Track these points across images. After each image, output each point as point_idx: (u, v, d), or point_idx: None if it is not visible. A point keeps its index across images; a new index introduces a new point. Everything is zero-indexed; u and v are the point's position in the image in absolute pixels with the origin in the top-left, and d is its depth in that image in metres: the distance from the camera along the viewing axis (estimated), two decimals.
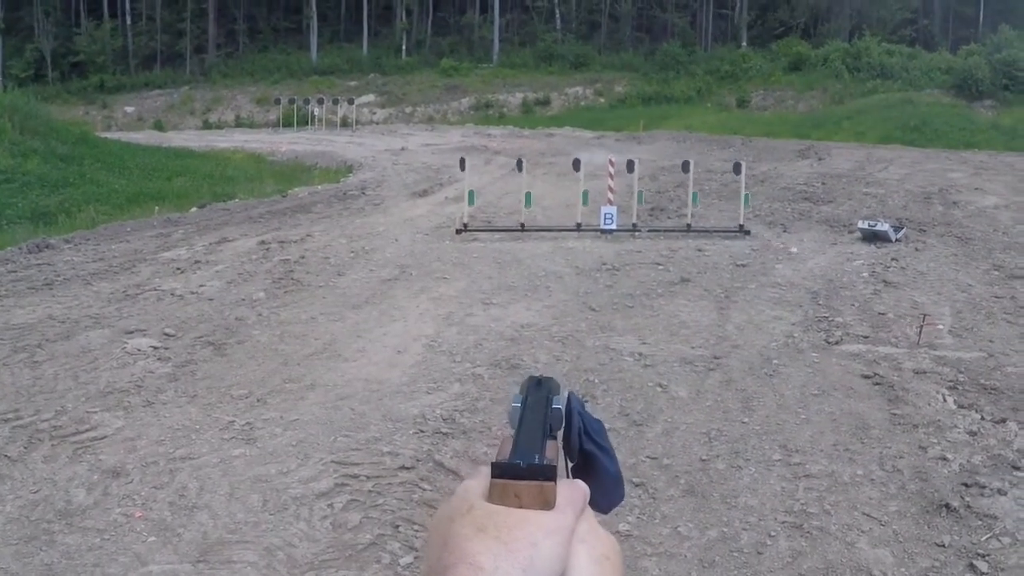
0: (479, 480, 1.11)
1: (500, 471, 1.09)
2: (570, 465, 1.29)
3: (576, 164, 20.09)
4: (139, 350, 11.76)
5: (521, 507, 1.06)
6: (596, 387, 10.08)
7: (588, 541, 1.09)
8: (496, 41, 71.33)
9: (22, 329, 12.84)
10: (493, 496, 1.08)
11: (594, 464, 1.31)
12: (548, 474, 1.08)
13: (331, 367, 11.08)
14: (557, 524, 1.05)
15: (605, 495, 1.31)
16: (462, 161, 20.77)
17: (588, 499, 1.13)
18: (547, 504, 1.07)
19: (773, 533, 7.17)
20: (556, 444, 1.24)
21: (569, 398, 1.31)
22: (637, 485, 7.81)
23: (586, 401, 9.61)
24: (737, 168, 19.66)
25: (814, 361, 11.06)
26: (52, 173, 27.75)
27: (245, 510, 7.63)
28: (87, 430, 9.25)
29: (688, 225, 18.95)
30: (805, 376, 10.52)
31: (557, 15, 72.98)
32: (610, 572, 1.09)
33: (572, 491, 1.11)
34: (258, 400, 9.98)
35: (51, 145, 31.17)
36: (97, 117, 62.83)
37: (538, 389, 1.32)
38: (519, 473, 1.08)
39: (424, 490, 7.83)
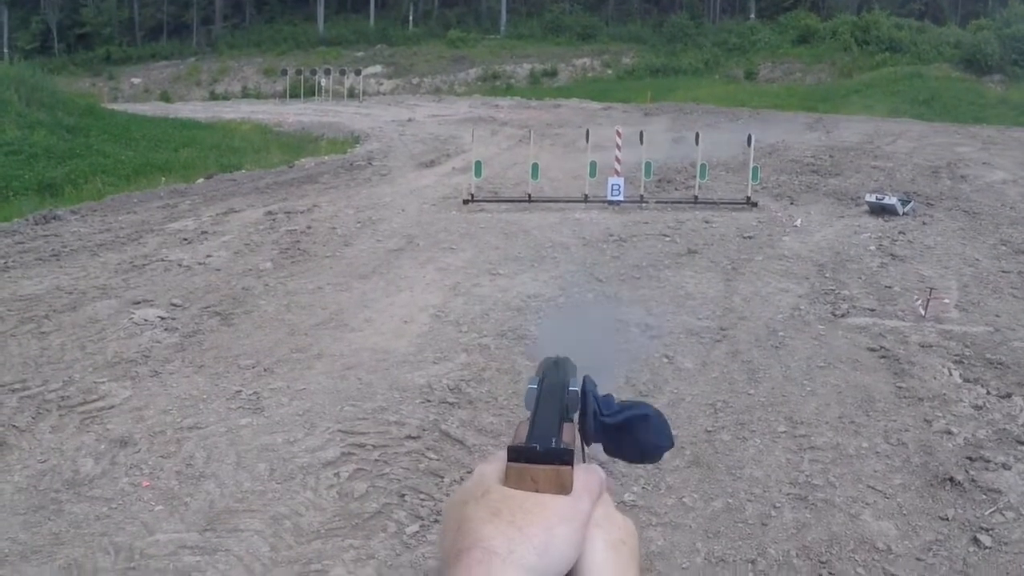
0: (495, 464, 1.11)
1: (516, 455, 1.09)
2: (586, 449, 1.27)
3: (586, 136, 20.07)
4: (146, 320, 11.79)
5: (537, 491, 1.06)
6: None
7: (604, 526, 1.08)
8: (503, 12, 71.16)
9: (29, 300, 12.86)
10: (509, 480, 1.08)
11: (632, 429, 1.29)
12: (565, 458, 1.08)
13: (338, 337, 11.10)
14: (573, 509, 1.05)
15: (655, 432, 1.31)
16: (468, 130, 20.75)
17: (604, 484, 1.12)
18: (564, 488, 1.07)
19: (778, 504, 7.18)
20: (573, 427, 1.23)
21: (584, 381, 1.29)
22: None
23: (591, 370, 9.64)
24: (748, 140, 19.60)
25: (820, 333, 11.06)
26: (58, 145, 27.73)
27: (252, 479, 7.66)
28: (94, 400, 9.29)
29: (695, 197, 18.91)
30: (811, 348, 10.52)
31: None
32: (626, 557, 1.09)
33: (589, 476, 1.10)
34: (265, 370, 10.01)
35: (57, 117, 31.16)
36: (103, 89, 62.77)
37: (555, 371, 1.31)
38: (535, 457, 1.08)
39: (430, 459, 7.86)
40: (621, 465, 7.61)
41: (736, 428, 8.36)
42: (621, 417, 1.28)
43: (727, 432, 8.28)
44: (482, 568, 0.98)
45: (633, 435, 1.29)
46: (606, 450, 1.30)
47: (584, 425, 1.27)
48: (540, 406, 1.21)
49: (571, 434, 1.19)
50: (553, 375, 1.29)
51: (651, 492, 7.33)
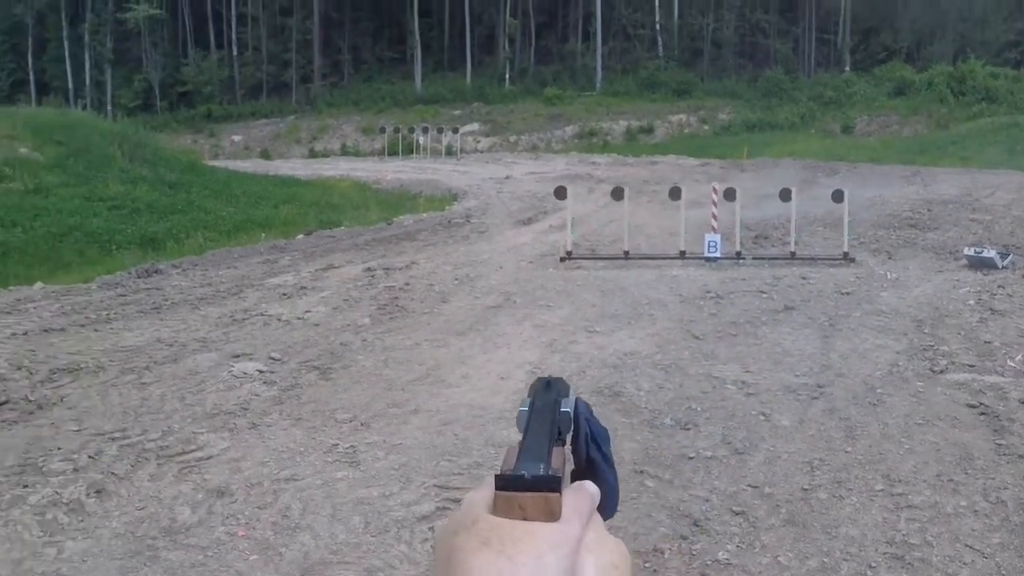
0: (483, 492, 1.10)
1: (504, 483, 1.08)
2: (570, 469, 1.23)
3: (674, 193, 20.11)
4: (245, 373, 11.97)
5: (526, 519, 1.05)
6: (698, 415, 10.10)
7: (595, 551, 1.07)
8: (599, 69, 71.37)
9: (131, 351, 13.13)
10: (498, 508, 1.06)
11: (596, 473, 1.25)
12: (553, 485, 1.07)
13: (435, 392, 11.20)
14: (563, 536, 1.04)
15: (602, 504, 1.22)
16: (559, 190, 20.83)
17: (596, 503, 1.13)
18: (552, 515, 1.05)
19: (874, 564, 7.15)
20: (563, 451, 1.20)
21: (576, 403, 1.28)
22: (737, 514, 7.83)
23: (688, 427, 9.67)
24: (838, 196, 19.51)
25: (919, 390, 10.97)
26: (161, 200, 28.26)
27: (347, 531, 7.76)
28: (193, 450, 9.46)
29: (792, 252, 18.87)
30: (909, 405, 10.44)
31: (659, 42, 72.78)
32: None
33: (578, 499, 1.10)
34: (362, 424, 10.12)
35: (159, 173, 31.79)
36: (204, 146, 63.68)
37: (547, 392, 1.29)
38: (523, 484, 1.07)
39: None
40: (715, 523, 7.64)
41: (833, 486, 8.33)
42: (596, 457, 1.26)
43: (823, 490, 8.25)
44: None
45: (596, 480, 1.23)
46: (575, 475, 1.25)
47: (576, 448, 1.25)
48: (530, 429, 1.20)
49: (561, 458, 1.17)
50: (544, 396, 1.28)
51: (746, 551, 7.33)
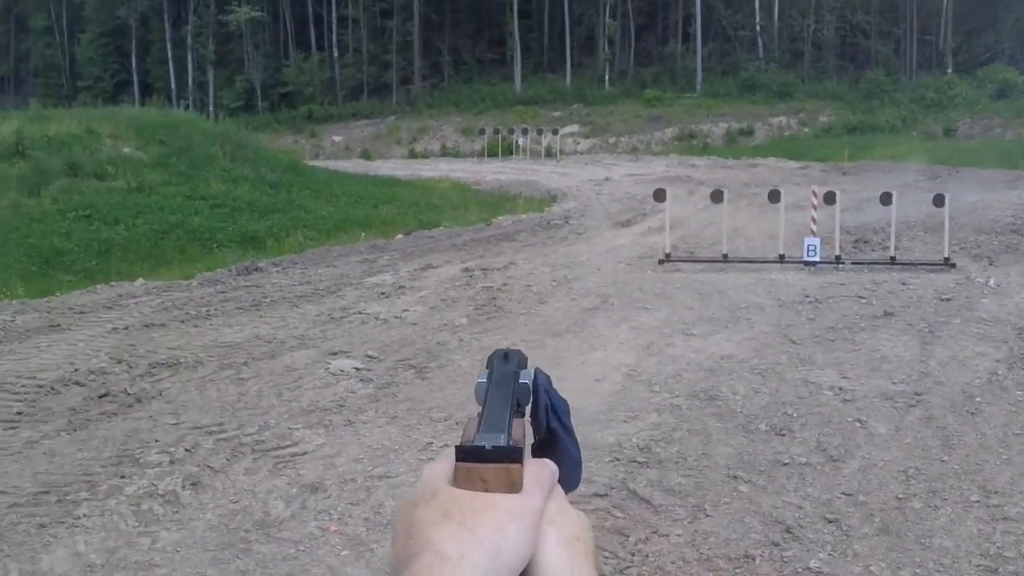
0: (444, 464, 1.09)
1: (464, 454, 1.07)
2: (530, 442, 1.21)
3: (773, 196, 20.00)
4: (342, 371, 12.11)
5: (487, 491, 1.05)
6: (794, 421, 10.05)
7: (557, 522, 1.07)
8: (699, 71, 71.05)
9: (230, 347, 13.33)
10: (458, 480, 1.06)
11: (557, 444, 1.25)
12: (514, 456, 1.07)
13: None
14: (524, 507, 1.04)
15: (564, 477, 1.21)
16: (658, 192, 20.76)
17: (556, 478, 1.12)
18: (514, 487, 1.05)
19: None
20: (523, 423, 1.20)
21: (536, 374, 1.27)
22: (830, 521, 7.78)
23: (783, 433, 9.62)
24: (939, 200, 19.29)
25: (1018, 399, 10.80)
26: (261, 199, 28.58)
27: None
28: (288, 446, 9.59)
29: (892, 257, 18.65)
30: (1008, 415, 10.28)
31: (759, 44, 72.29)
32: (580, 553, 1.08)
33: (539, 472, 1.09)
34: (457, 423, 10.15)
35: (261, 172, 32.15)
36: (305, 146, 64.24)
37: (504, 363, 1.27)
38: (484, 456, 1.06)
39: (616, 518, 7.91)
40: (808, 531, 7.59)
41: (928, 496, 8.24)
42: (556, 427, 1.25)
43: (918, 500, 8.17)
44: (434, 573, 0.97)
45: (552, 454, 1.22)
46: (536, 447, 1.24)
47: (536, 419, 1.24)
48: (489, 400, 1.19)
49: (521, 430, 1.17)
50: (502, 367, 1.27)
51: (837, 559, 7.28)
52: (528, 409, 1.23)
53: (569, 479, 1.23)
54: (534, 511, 1.05)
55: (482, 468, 1.05)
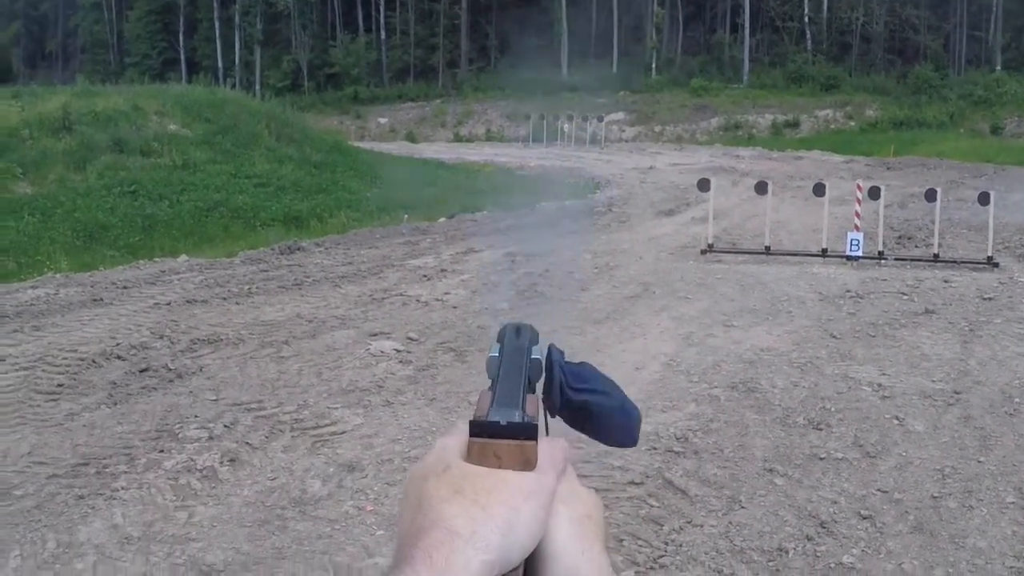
0: (456, 438, 1.09)
1: (479, 429, 1.07)
2: (549, 420, 1.21)
3: (818, 189, 19.93)
4: (382, 352, 12.16)
5: (501, 467, 1.04)
6: (832, 415, 10.02)
7: (569, 502, 1.07)
8: (746, 61, 70.83)
9: (271, 325, 13.41)
10: (472, 455, 1.06)
11: (589, 410, 1.24)
12: (530, 433, 1.06)
13: None
14: (538, 486, 1.04)
15: (618, 429, 1.26)
16: (702, 182, 20.71)
17: (568, 456, 1.10)
18: (528, 464, 1.05)
19: None
20: (536, 399, 1.20)
21: (550, 350, 1.26)
22: (865, 518, 7.76)
23: (820, 427, 9.59)
24: (984, 198, 19.18)
25: None
26: (305, 179, 28.74)
27: None
28: (327, 425, 9.65)
29: (935, 255, 18.56)
30: None
31: (808, 35, 72.01)
32: (592, 532, 1.08)
33: (553, 450, 1.08)
34: None
35: (305, 153, 32.30)
36: (351, 127, 64.48)
37: (516, 338, 1.27)
38: (499, 432, 1.06)
39: (651, 506, 7.92)
40: (842, 526, 7.59)
41: (963, 496, 8.20)
42: (584, 397, 1.24)
43: (953, 499, 8.14)
44: (444, 550, 0.96)
45: (594, 421, 1.25)
46: (571, 423, 1.26)
47: (549, 396, 1.23)
48: (502, 376, 1.18)
49: (535, 406, 1.17)
50: (514, 342, 1.26)
51: (871, 555, 7.27)
52: (541, 387, 1.23)
53: (626, 427, 1.27)
54: (547, 490, 1.05)
55: (496, 444, 1.06)
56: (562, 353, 1.27)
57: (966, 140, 51.40)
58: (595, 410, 1.25)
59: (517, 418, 1.08)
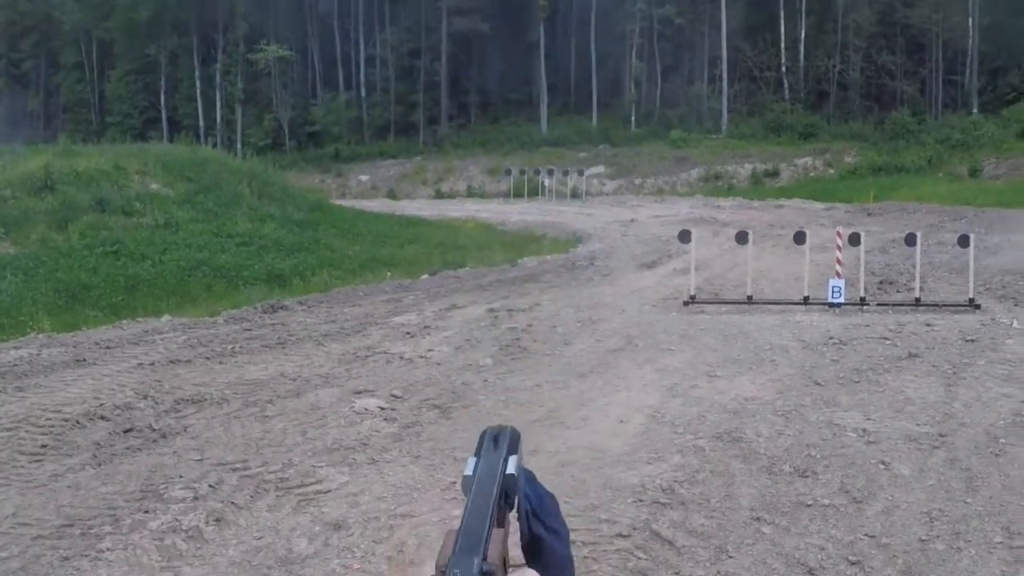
0: None
1: None
2: (516, 540, 1.22)
3: (799, 237, 20.01)
4: (367, 410, 12.15)
5: None
6: (817, 463, 10.03)
7: None
8: (724, 112, 71.11)
9: (255, 385, 13.40)
10: None
11: (542, 547, 1.26)
12: None
13: (554, 434, 11.24)
14: None
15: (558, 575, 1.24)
16: (683, 234, 20.78)
17: None
18: None
19: None
20: (503, 532, 1.19)
21: (521, 474, 1.25)
22: (853, 563, 7.77)
23: (806, 474, 9.61)
24: (964, 241, 19.27)
25: None
26: (288, 237, 28.76)
27: None
28: (312, 483, 9.64)
29: (917, 299, 18.62)
30: None
31: (785, 84, 72.31)
32: None
33: None
34: None
35: (287, 211, 32.35)
36: (332, 185, 64.57)
37: (493, 450, 1.26)
38: None
39: (639, 559, 7.91)
40: (830, 572, 7.58)
41: (951, 538, 8.21)
42: (542, 534, 1.26)
43: (941, 541, 8.14)
44: None
45: (543, 558, 1.25)
46: (522, 548, 1.26)
47: (520, 521, 1.24)
48: (468, 512, 1.18)
49: (499, 544, 1.15)
50: (489, 457, 1.25)
51: None
52: (517, 501, 1.24)
53: None
54: None
55: None
56: (532, 476, 1.27)
57: (945, 183, 51.61)
58: (547, 551, 1.27)
59: (475, 569, 1.07)
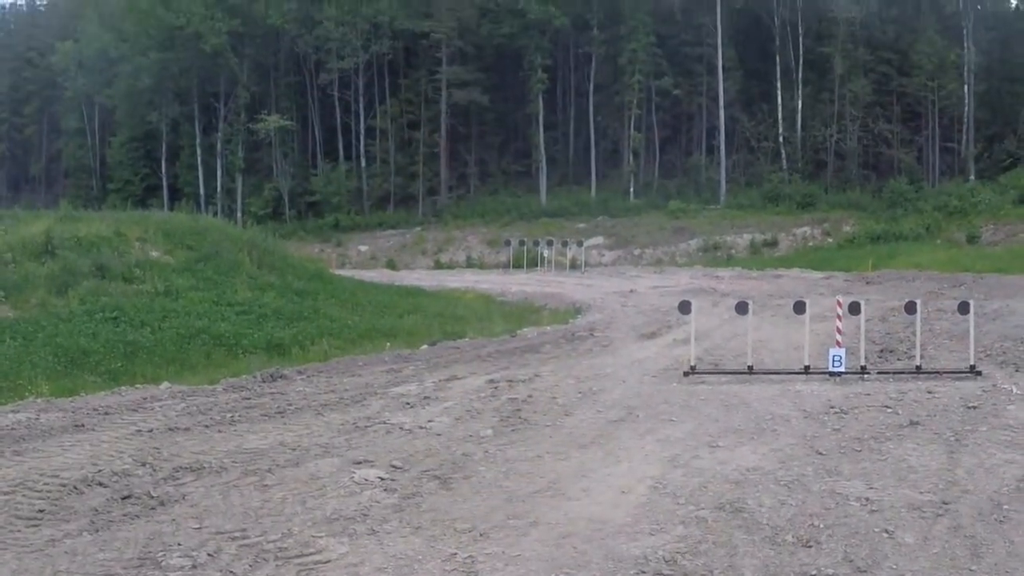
0: None
1: None
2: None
3: (798, 307, 19.99)
4: (366, 480, 12.08)
5: None
6: (820, 532, 9.96)
7: None
8: (723, 182, 71.43)
9: (254, 453, 13.35)
10: None
11: None
12: None
13: (555, 505, 11.16)
14: None
15: None
16: (683, 304, 20.78)
17: None
18: None
19: None
20: None
21: None
22: None
23: (809, 544, 9.54)
24: (964, 308, 19.25)
25: None
26: (287, 307, 28.77)
27: None
28: (312, 553, 9.55)
29: (918, 367, 18.60)
30: None
31: (783, 154, 72.74)
32: None
33: None
34: (481, 534, 10.11)
35: (287, 280, 32.37)
36: (331, 254, 64.65)
37: None
38: None
39: None
40: None
41: None
42: None
43: None
44: None
45: None
46: None
47: None
48: None
49: None
50: None
51: None
52: None
53: None
54: None
55: None
56: None
57: (943, 250, 51.81)
58: None
59: None
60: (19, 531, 10.30)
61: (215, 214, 55.51)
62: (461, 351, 23.84)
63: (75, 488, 11.66)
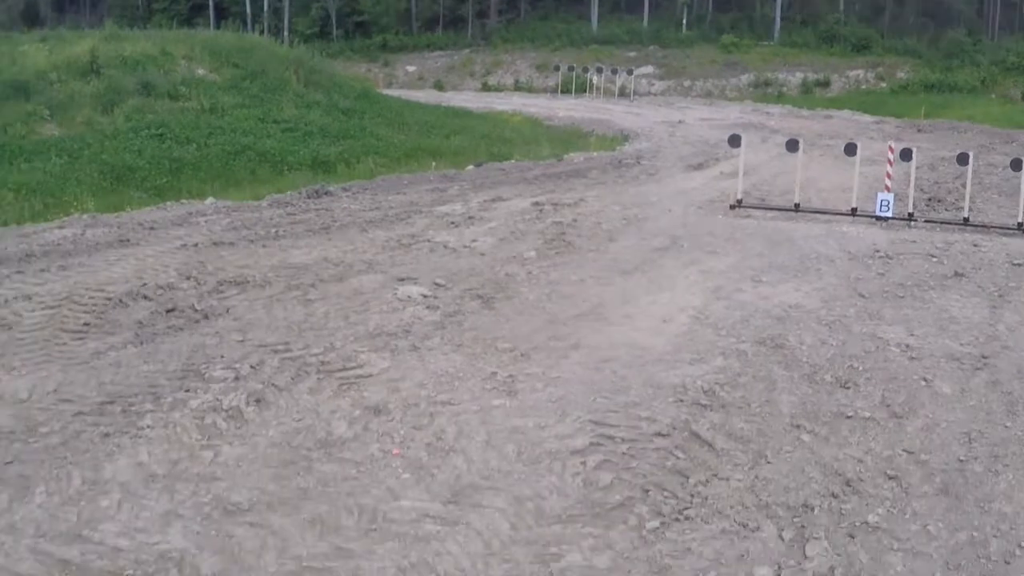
0: None
1: None
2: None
3: (849, 149, 19.77)
4: (409, 297, 12.20)
5: None
6: (859, 375, 9.98)
7: None
8: (778, 19, 70.14)
9: (298, 268, 13.45)
10: None
11: None
12: None
13: (596, 329, 11.23)
14: None
15: None
16: (733, 137, 20.62)
17: None
18: None
19: None
20: None
21: None
22: (891, 478, 7.74)
23: (847, 385, 9.55)
24: (1017, 164, 18.99)
25: None
26: (333, 125, 28.63)
27: (499, 458, 7.84)
28: (353, 367, 9.70)
29: (965, 219, 18.42)
30: None
31: None
32: None
33: None
34: (522, 355, 10.22)
35: (333, 99, 32.16)
36: (379, 74, 64.18)
37: None
38: None
39: (677, 458, 7.91)
40: (868, 485, 7.55)
41: (989, 460, 8.15)
42: None
43: (979, 463, 8.09)
44: None
45: None
46: None
47: None
48: None
49: None
50: None
51: (896, 516, 7.24)
52: None
53: None
54: None
55: None
56: None
57: (997, 105, 50.83)
58: None
59: None
60: (65, 344, 10.45)
61: (261, 33, 54.87)
62: (506, 173, 23.81)
63: (120, 302, 11.79)
